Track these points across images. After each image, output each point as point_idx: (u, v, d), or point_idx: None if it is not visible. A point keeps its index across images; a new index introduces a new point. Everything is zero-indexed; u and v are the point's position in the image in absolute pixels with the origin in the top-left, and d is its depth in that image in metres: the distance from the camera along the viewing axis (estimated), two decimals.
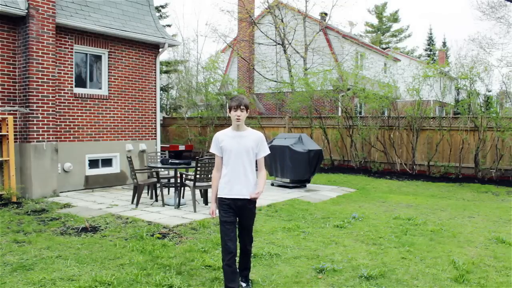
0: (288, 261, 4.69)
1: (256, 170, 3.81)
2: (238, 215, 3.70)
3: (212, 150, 3.79)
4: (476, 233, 6.00)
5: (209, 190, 7.61)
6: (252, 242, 3.94)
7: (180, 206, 7.64)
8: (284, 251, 5.03)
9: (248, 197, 3.64)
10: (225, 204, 3.65)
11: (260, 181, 3.76)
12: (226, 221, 3.61)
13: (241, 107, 3.61)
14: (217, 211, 3.74)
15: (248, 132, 3.75)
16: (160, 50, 11.35)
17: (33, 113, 8.47)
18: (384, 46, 44.85)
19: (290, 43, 18.98)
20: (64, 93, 9.34)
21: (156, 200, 8.19)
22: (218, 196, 3.72)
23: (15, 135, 8.47)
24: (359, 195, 9.31)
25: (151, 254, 4.85)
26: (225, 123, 16.78)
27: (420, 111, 12.65)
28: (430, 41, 49.03)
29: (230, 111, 3.66)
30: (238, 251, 3.79)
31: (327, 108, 16.78)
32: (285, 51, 19.06)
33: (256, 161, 3.78)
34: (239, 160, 3.64)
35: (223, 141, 3.70)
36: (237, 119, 3.63)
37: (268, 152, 3.81)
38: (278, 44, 19.40)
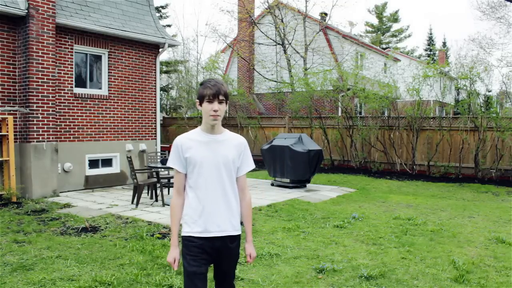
0: (288, 261, 4.69)
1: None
2: (215, 260, 2.48)
3: (170, 163, 2.47)
4: (476, 233, 6.00)
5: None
6: None
7: None
8: (284, 251, 5.03)
9: (233, 233, 2.45)
10: (195, 247, 2.39)
11: (247, 218, 2.55)
12: (196, 272, 2.37)
13: (220, 97, 2.36)
14: (181, 258, 2.47)
15: (227, 136, 2.50)
16: (160, 50, 11.35)
17: (33, 113, 8.47)
18: (384, 46, 44.85)
19: (290, 43, 18.98)
20: (64, 93, 9.34)
21: (156, 200, 8.19)
22: (183, 234, 2.44)
23: (15, 135, 8.47)
24: (359, 195, 9.31)
25: (151, 254, 4.85)
26: (225, 123, 16.74)
27: (420, 111, 12.65)
28: (430, 41, 49.03)
29: (201, 103, 2.40)
30: None
31: (327, 108, 16.78)
32: (285, 51, 19.06)
33: (236, 179, 2.52)
34: (215, 177, 2.41)
35: (189, 149, 2.41)
36: (213, 115, 2.37)
37: (253, 166, 2.62)
38: (278, 44, 19.40)
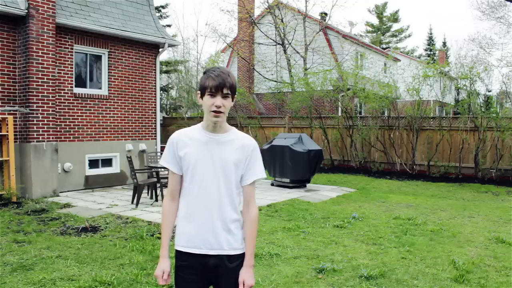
0: (288, 261, 4.69)
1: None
2: (212, 282, 2.09)
3: (163, 162, 2.14)
4: (476, 233, 6.00)
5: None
6: None
7: None
8: (284, 251, 5.03)
9: (230, 252, 2.05)
10: (184, 267, 2.06)
11: (248, 238, 2.09)
12: None
13: (224, 90, 1.97)
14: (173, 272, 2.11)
15: (232, 136, 2.11)
16: (160, 50, 11.36)
17: (33, 113, 8.47)
18: (384, 46, 44.85)
19: (290, 43, 18.98)
20: (64, 93, 9.34)
21: (156, 200, 8.19)
22: (175, 247, 2.11)
23: (15, 135, 8.47)
24: (359, 195, 9.31)
25: (151, 254, 4.85)
26: (228, 122, 16.68)
27: (420, 111, 12.65)
28: (430, 41, 49.04)
29: (202, 96, 2.01)
30: None
31: (327, 108, 16.77)
32: (285, 51, 19.06)
33: (242, 188, 2.12)
34: (210, 184, 2.03)
35: (185, 147, 2.06)
36: (215, 112, 1.98)
37: (263, 175, 2.15)
38: (278, 44, 19.40)
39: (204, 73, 2.05)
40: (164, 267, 2.06)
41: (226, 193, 2.04)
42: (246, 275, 2.05)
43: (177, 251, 2.08)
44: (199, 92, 2.04)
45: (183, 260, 2.05)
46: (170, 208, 2.11)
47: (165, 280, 2.06)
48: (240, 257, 2.08)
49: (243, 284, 2.04)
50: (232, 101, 2.03)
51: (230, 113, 18.07)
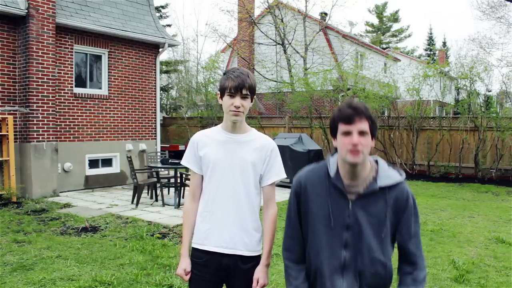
0: None
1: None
2: (225, 281, 2.13)
3: (184, 162, 2.18)
4: (476, 233, 6.00)
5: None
6: None
7: (180, 206, 7.63)
8: None
9: (245, 253, 2.08)
10: (198, 264, 2.09)
11: (266, 237, 2.11)
12: None
13: (243, 91, 2.00)
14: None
15: (251, 136, 2.12)
16: (160, 50, 11.36)
17: (33, 113, 8.47)
18: (384, 46, 44.84)
19: (290, 43, 18.98)
20: (64, 93, 9.34)
21: (156, 200, 8.19)
22: (192, 245, 2.16)
23: (15, 135, 8.47)
24: None
25: (151, 254, 4.85)
26: None
27: (420, 111, 12.65)
28: (430, 41, 49.02)
29: (222, 96, 2.05)
30: None
31: (327, 108, 16.76)
32: (285, 51, 19.06)
33: (261, 189, 2.15)
34: (229, 183, 2.06)
35: (205, 147, 2.11)
36: (234, 111, 2.01)
37: (283, 175, 2.17)
38: (278, 44, 19.40)
39: (224, 73, 2.08)
40: (185, 265, 2.10)
41: (245, 193, 2.07)
42: (261, 273, 2.10)
43: (193, 248, 2.12)
44: (218, 92, 2.08)
45: (198, 257, 2.09)
46: (191, 208, 2.15)
47: (186, 275, 2.10)
48: (255, 260, 2.10)
49: (257, 282, 2.07)
50: (251, 101, 2.06)
51: None
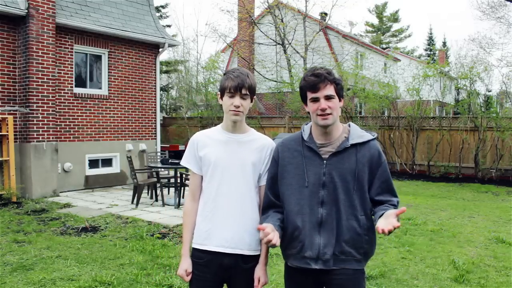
0: None
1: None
2: (226, 282, 2.14)
3: (184, 162, 2.18)
4: (476, 233, 6.00)
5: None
6: None
7: (180, 206, 7.63)
8: None
9: (246, 253, 2.09)
10: (199, 264, 2.09)
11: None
12: None
13: (243, 90, 2.01)
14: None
15: (251, 137, 2.14)
16: (160, 50, 11.36)
17: (33, 113, 8.47)
18: (384, 46, 44.83)
19: (290, 43, 18.97)
20: (64, 93, 9.34)
21: (156, 200, 8.19)
22: (192, 245, 2.16)
23: (15, 135, 8.47)
24: None
25: (151, 254, 4.85)
26: None
27: (420, 111, 12.65)
28: (430, 41, 49.00)
29: (222, 96, 2.07)
30: None
31: None
32: (285, 51, 19.06)
33: (259, 188, 2.15)
34: (230, 183, 2.07)
35: (205, 147, 2.11)
36: (234, 111, 2.02)
37: None
38: (278, 44, 19.39)
39: (224, 74, 2.11)
40: (186, 266, 2.11)
41: (245, 192, 2.09)
42: (261, 271, 2.14)
43: (193, 248, 2.12)
44: (219, 92, 2.10)
45: (198, 258, 2.09)
46: (191, 208, 2.16)
47: (187, 276, 2.11)
48: (255, 259, 2.13)
49: (258, 281, 2.12)
50: (251, 101, 2.08)
51: None
